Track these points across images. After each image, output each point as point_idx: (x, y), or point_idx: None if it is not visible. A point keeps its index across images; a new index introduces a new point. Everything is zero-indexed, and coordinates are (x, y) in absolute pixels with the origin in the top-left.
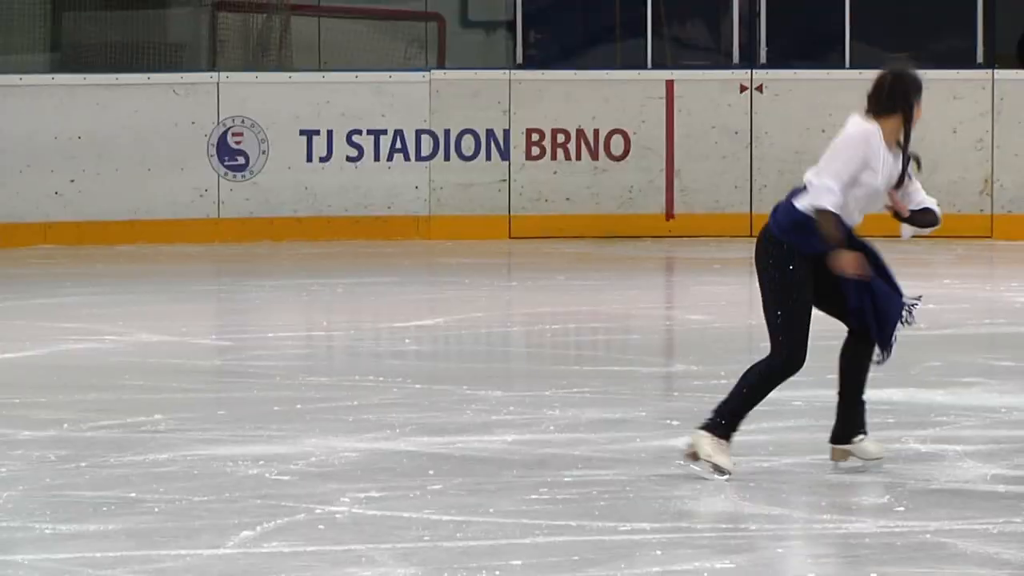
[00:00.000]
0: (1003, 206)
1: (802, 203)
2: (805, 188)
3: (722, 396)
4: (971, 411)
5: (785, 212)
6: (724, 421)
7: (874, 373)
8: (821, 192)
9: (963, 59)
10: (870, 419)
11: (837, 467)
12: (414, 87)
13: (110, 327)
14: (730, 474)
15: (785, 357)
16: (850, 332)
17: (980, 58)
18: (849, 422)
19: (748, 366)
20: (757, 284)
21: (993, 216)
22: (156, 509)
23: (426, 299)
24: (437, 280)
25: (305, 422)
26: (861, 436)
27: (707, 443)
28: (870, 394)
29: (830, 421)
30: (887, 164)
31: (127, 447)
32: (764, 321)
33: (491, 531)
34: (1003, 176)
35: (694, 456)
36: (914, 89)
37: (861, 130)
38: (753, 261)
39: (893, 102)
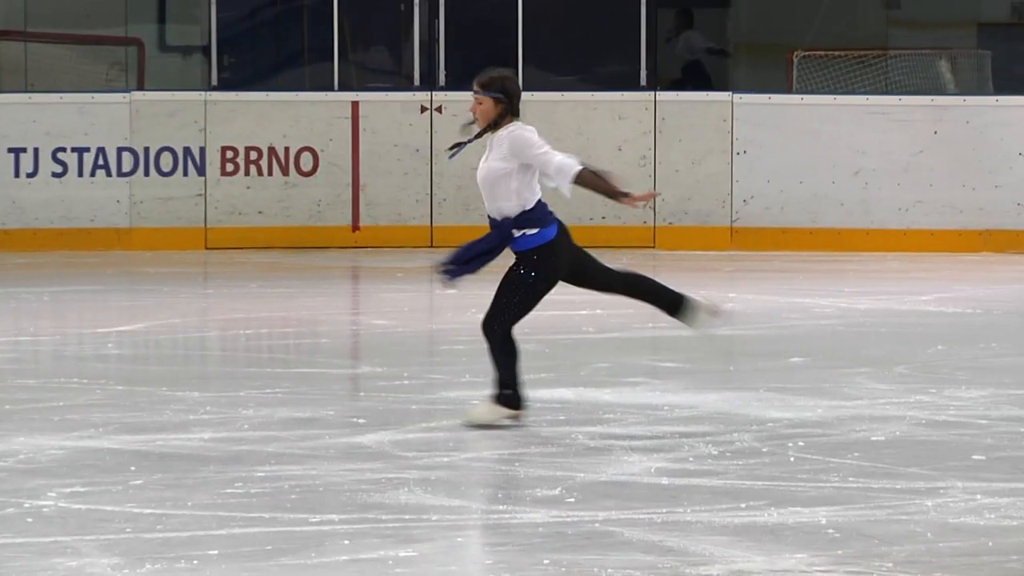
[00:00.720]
0: (665, 218)
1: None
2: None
3: (403, 395)
4: (636, 409)
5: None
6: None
7: (547, 374)
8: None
9: (627, 82)
10: (544, 416)
11: (513, 462)
12: (115, 107)
13: None
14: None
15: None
16: None
17: (643, 81)
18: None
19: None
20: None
21: (656, 227)
22: None
23: (127, 306)
24: (138, 288)
25: (13, 422)
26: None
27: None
28: (543, 393)
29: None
30: None
31: None
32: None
33: (189, 523)
34: (664, 190)
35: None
36: None
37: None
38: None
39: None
